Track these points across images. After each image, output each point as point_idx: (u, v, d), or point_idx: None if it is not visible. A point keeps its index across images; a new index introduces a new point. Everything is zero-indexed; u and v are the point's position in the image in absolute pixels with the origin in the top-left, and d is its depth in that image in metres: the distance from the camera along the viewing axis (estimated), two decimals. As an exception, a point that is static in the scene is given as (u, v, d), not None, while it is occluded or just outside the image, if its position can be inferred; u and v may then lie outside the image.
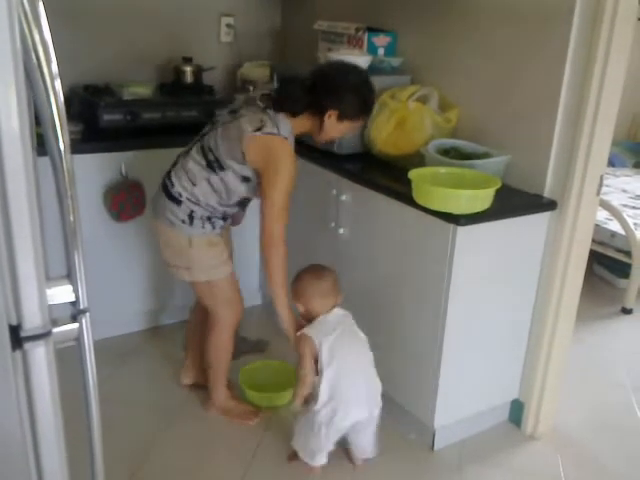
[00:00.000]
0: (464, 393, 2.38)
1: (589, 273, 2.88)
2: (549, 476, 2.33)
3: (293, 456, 2.30)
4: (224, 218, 2.34)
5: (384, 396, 2.51)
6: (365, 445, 2.27)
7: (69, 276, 0.89)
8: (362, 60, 2.68)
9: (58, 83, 0.86)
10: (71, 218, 0.89)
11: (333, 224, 2.68)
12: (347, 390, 2.13)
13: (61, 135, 0.87)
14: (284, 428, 2.48)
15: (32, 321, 0.80)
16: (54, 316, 0.87)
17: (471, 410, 2.45)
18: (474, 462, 2.37)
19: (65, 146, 0.88)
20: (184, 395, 2.65)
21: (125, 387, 2.68)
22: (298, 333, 2.20)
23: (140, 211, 2.80)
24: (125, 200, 2.75)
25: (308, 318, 2.24)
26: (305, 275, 2.28)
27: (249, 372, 2.72)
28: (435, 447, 2.40)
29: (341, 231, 2.65)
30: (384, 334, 2.49)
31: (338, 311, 2.24)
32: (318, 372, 2.14)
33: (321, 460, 2.22)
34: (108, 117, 2.85)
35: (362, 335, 2.25)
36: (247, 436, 2.45)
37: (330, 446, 2.21)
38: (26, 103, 0.79)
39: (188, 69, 3.24)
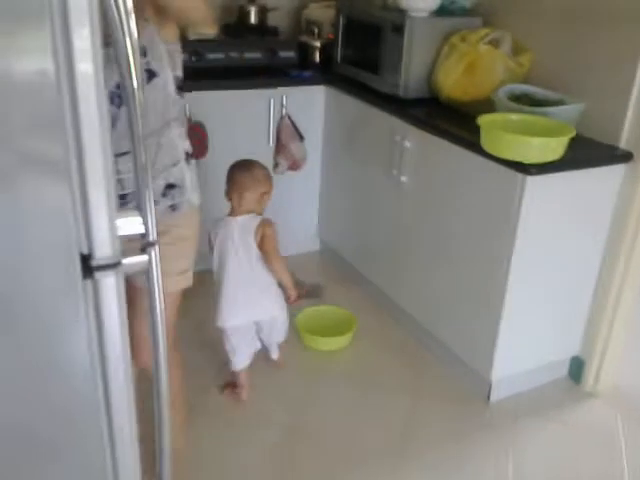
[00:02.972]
0: (524, 347, 2.34)
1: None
2: (606, 434, 2.29)
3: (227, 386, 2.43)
4: None
5: (444, 346, 2.50)
6: (269, 345, 2.45)
7: (139, 208, 0.89)
8: (431, 0, 2.58)
9: (132, 20, 0.85)
10: (142, 155, 0.89)
11: (395, 172, 2.63)
12: (220, 294, 2.26)
13: (134, 73, 0.86)
14: (340, 370, 2.51)
15: (103, 250, 0.81)
16: (124, 248, 0.88)
17: (530, 364, 2.41)
18: (530, 416, 2.35)
19: (138, 84, 0.87)
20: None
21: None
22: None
23: (202, 153, 2.80)
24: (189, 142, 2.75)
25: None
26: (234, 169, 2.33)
27: (307, 317, 2.75)
28: (491, 399, 2.39)
29: (403, 179, 2.60)
30: (446, 285, 2.46)
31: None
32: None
33: (237, 365, 2.33)
34: (172, 57, 2.83)
35: (255, 251, 2.25)
36: (302, 379, 2.48)
37: (243, 348, 2.32)
38: (100, 43, 0.78)
39: (252, 9, 3.18)
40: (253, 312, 2.31)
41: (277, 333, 2.44)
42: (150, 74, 1.49)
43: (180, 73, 1.57)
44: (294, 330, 2.67)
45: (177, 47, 1.57)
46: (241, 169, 2.30)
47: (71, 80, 0.75)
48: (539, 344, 2.39)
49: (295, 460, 2.10)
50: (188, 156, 1.63)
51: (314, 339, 2.65)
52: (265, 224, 2.27)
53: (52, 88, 0.74)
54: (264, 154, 2.98)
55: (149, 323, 0.96)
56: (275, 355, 2.52)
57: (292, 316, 2.64)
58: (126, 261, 0.84)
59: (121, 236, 0.86)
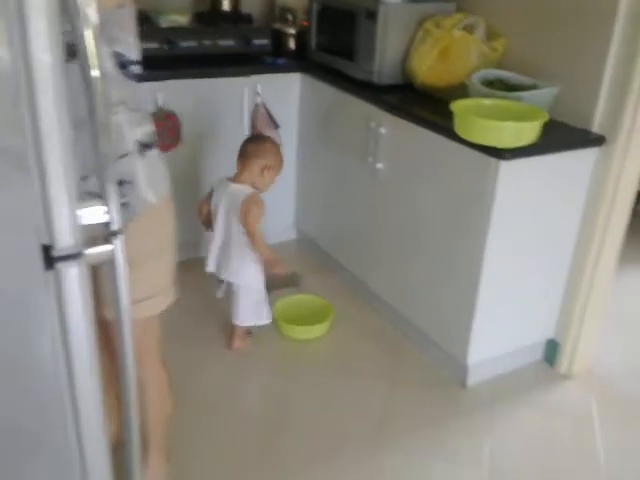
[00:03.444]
0: (499, 331, 2.36)
1: (635, 215, 2.78)
2: (581, 416, 2.32)
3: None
4: None
5: (421, 333, 2.52)
6: (233, 310, 2.53)
7: (102, 197, 0.88)
8: (405, -14, 2.57)
9: (92, 10, 0.83)
10: (103, 140, 0.88)
11: (371, 159, 2.63)
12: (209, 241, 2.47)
13: (92, 63, 0.84)
14: (317, 359, 2.51)
15: (64, 241, 0.79)
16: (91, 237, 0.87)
17: (505, 348, 2.43)
18: (506, 399, 2.37)
19: (97, 74, 0.85)
20: (218, 327, 2.69)
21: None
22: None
23: (176, 142, 2.77)
24: (161, 131, 2.71)
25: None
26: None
27: (284, 306, 2.74)
28: (467, 384, 2.40)
29: (379, 166, 2.59)
30: (422, 271, 2.47)
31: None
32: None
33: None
34: (145, 45, 2.75)
35: (237, 222, 2.38)
36: (280, 368, 2.48)
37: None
38: (59, 32, 0.77)
39: (225, -4, 3.14)
40: (227, 272, 2.45)
41: (238, 310, 2.50)
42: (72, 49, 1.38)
43: (124, 50, 1.36)
44: (271, 319, 2.67)
45: (116, 17, 1.34)
46: (251, 140, 2.51)
47: (28, 70, 0.73)
48: (514, 328, 2.41)
49: (272, 450, 2.10)
50: (143, 147, 1.43)
51: (291, 328, 2.65)
52: (252, 200, 2.35)
53: (8, 78, 0.72)
54: (239, 143, 2.96)
55: (114, 315, 0.94)
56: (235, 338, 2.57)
57: (270, 305, 2.63)
58: (89, 251, 0.83)
59: (84, 226, 0.85)
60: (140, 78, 1.42)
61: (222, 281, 2.53)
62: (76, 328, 0.85)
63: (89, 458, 0.94)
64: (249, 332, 2.62)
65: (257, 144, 2.45)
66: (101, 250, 0.86)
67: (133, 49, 1.38)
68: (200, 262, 2.58)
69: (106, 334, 1.31)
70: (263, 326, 2.56)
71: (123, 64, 1.36)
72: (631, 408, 2.37)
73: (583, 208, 2.30)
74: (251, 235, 2.37)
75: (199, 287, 2.95)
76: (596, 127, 2.21)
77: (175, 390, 1.78)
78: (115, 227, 0.87)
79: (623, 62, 2.09)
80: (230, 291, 2.53)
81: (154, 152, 1.46)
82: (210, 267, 2.49)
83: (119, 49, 1.34)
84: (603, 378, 2.52)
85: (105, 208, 0.87)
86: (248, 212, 2.34)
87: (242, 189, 2.38)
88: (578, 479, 2.06)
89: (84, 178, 1.19)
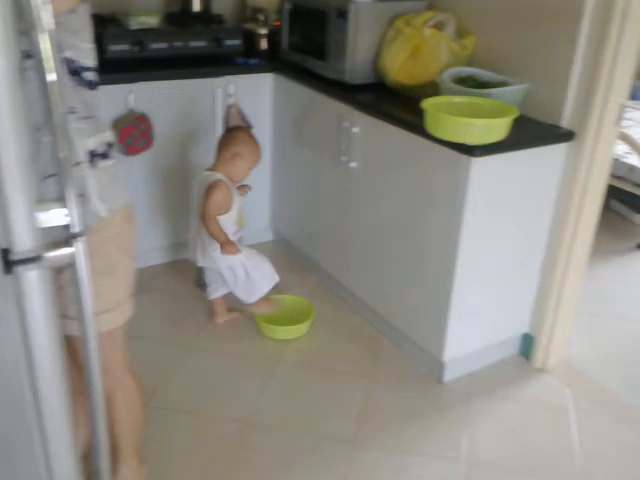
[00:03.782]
0: (474, 326, 2.37)
1: (606, 209, 2.82)
2: (558, 408, 2.34)
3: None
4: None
5: (398, 330, 2.53)
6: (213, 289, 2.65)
7: (62, 199, 0.86)
8: (375, -15, 2.57)
9: (48, 14, 0.82)
10: (61, 143, 0.87)
11: (344, 158, 2.63)
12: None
13: (48, 67, 0.83)
14: (296, 358, 2.51)
15: (22, 244, 0.78)
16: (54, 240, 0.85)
17: (481, 343, 2.45)
18: (482, 394, 2.38)
19: (54, 78, 0.84)
20: (198, 328, 2.68)
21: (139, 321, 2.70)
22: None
23: (148, 145, 2.76)
24: (133, 134, 2.71)
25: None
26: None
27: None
28: (444, 379, 2.41)
29: (352, 165, 2.59)
30: (396, 269, 2.48)
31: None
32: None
33: (209, 294, 2.65)
34: (114, 47, 2.77)
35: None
36: (260, 368, 2.47)
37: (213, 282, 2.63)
38: (14, 36, 0.76)
39: (196, -4, 3.13)
40: (204, 260, 2.55)
41: (237, 294, 2.60)
42: (22, 54, 1.24)
43: (76, 56, 1.29)
44: (252, 320, 2.66)
45: (68, 22, 1.26)
46: (225, 130, 2.66)
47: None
48: (489, 323, 2.42)
49: (250, 450, 2.09)
50: (97, 157, 1.35)
51: (272, 329, 2.64)
52: (214, 185, 2.44)
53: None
54: (211, 144, 2.95)
55: (77, 315, 0.93)
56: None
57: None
58: (49, 254, 0.82)
59: (45, 229, 0.84)
60: (96, 85, 1.36)
61: (201, 269, 2.62)
62: (39, 335, 0.84)
63: (56, 469, 0.93)
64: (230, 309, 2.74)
65: (229, 133, 2.58)
66: (62, 253, 0.85)
67: (87, 55, 1.32)
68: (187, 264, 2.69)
69: (73, 347, 1.29)
70: (244, 326, 2.66)
71: (76, 71, 1.30)
72: (605, 399, 2.40)
73: (554, 203, 2.32)
74: (204, 217, 2.43)
75: (177, 289, 2.94)
76: (566, 122, 2.23)
77: (149, 394, 1.77)
78: (76, 229, 0.86)
79: (591, 57, 2.11)
80: (215, 276, 2.60)
81: (110, 162, 1.39)
82: (192, 255, 2.60)
83: (70, 55, 1.28)
84: (578, 370, 2.54)
85: (65, 211, 0.85)
86: (207, 198, 2.42)
87: (207, 176, 2.48)
88: (555, 469, 2.08)
89: (44, 181, 1.18)
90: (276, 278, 2.62)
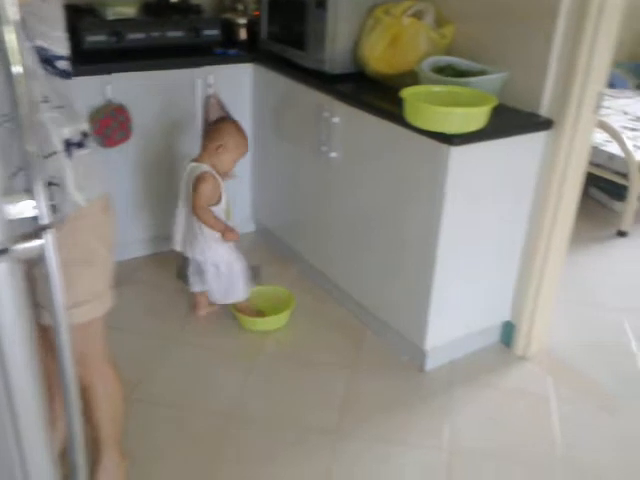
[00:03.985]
0: (455, 315, 2.38)
1: (585, 196, 2.84)
2: (539, 395, 2.36)
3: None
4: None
5: (379, 320, 2.53)
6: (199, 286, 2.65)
7: (31, 191, 0.85)
8: (354, -27, 2.56)
9: (13, 5, 0.80)
10: (28, 136, 0.85)
11: (324, 148, 2.62)
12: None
13: (13, 60, 0.82)
14: (278, 350, 2.50)
15: (-12, 237, 0.77)
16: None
17: (462, 331, 2.46)
18: (464, 382, 2.39)
19: (20, 70, 0.82)
20: (180, 320, 2.67)
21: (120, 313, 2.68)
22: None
23: (126, 137, 2.73)
24: (111, 125, 2.68)
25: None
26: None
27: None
28: (426, 368, 2.42)
29: (333, 155, 2.59)
30: (377, 259, 2.48)
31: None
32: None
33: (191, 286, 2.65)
34: (91, 38, 2.73)
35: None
36: (240, 360, 2.47)
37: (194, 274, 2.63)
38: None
39: (173, -14, 3.10)
40: (192, 251, 2.54)
41: (211, 290, 2.60)
42: None
43: (48, 44, 1.27)
44: (231, 312, 2.65)
45: (39, 9, 1.25)
46: (212, 121, 2.63)
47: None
48: (470, 311, 2.43)
49: (234, 443, 2.09)
50: (73, 146, 1.34)
51: (251, 320, 2.63)
52: (201, 176, 2.43)
53: None
54: (191, 135, 2.93)
55: (51, 315, 0.92)
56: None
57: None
58: (17, 247, 0.80)
59: (13, 221, 0.83)
60: (69, 74, 1.34)
61: (187, 259, 2.61)
62: (8, 328, 0.82)
63: (31, 464, 0.92)
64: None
65: (214, 124, 2.56)
66: (31, 245, 0.84)
67: (59, 43, 1.30)
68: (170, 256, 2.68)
69: (48, 339, 1.27)
70: (225, 318, 2.64)
71: (48, 59, 1.28)
72: (586, 387, 2.42)
73: (534, 191, 2.33)
74: (195, 209, 2.42)
75: (159, 281, 2.93)
76: (544, 111, 2.24)
77: (131, 387, 1.76)
78: (45, 221, 0.84)
79: (569, 46, 2.12)
80: (199, 269, 2.59)
81: (86, 152, 1.37)
82: (177, 246, 2.58)
83: (42, 43, 1.26)
84: (558, 358, 2.56)
85: (34, 203, 0.84)
86: (195, 190, 2.41)
87: (194, 168, 2.46)
88: (536, 457, 2.09)
89: (13, 175, 1.16)
90: (244, 297, 2.62)
